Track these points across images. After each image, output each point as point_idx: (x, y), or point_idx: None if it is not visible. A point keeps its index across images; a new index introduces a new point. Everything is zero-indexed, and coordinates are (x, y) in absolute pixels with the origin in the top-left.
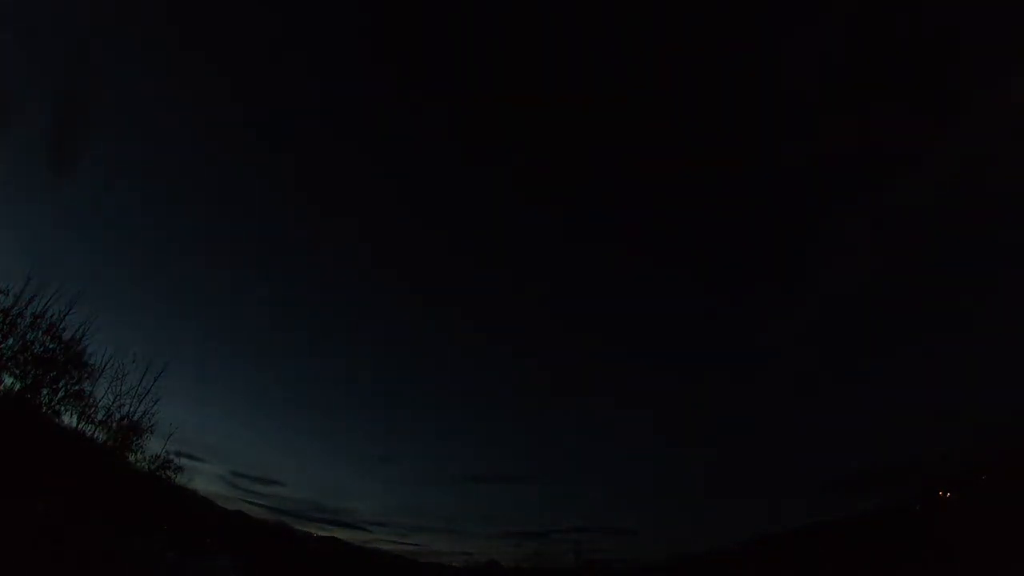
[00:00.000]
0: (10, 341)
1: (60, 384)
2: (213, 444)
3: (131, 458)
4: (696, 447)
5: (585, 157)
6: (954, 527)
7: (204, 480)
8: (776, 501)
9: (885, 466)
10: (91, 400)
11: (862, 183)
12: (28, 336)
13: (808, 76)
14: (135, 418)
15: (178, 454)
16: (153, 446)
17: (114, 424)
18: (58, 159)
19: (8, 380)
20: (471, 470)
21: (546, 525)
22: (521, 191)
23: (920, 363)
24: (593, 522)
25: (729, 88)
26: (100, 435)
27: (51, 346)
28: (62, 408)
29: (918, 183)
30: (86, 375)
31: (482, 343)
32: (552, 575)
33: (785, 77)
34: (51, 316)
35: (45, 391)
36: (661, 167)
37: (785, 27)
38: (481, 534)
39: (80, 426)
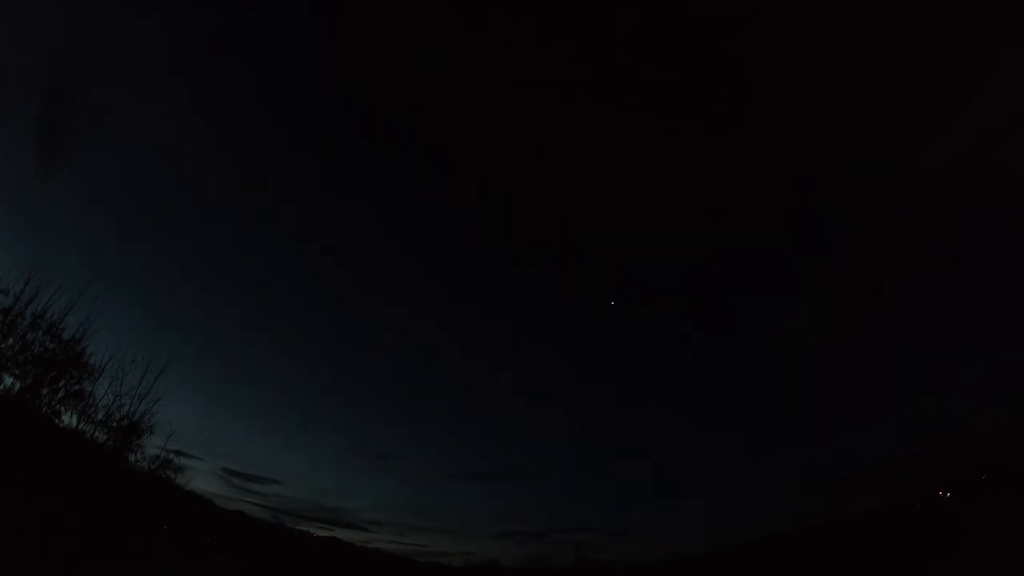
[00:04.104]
0: (10, 341)
1: (60, 384)
2: (211, 443)
3: (131, 458)
4: (696, 447)
5: (585, 140)
6: (954, 527)
7: (203, 480)
8: (776, 501)
9: (885, 466)
10: (91, 400)
11: (882, 155)
12: (28, 336)
13: (833, 34)
14: (135, 418)
15: (177, 453)
16: (152, 446)
17: (114, 424)
18: (52, 159)
19: (8, 380)
20: (471, 469)
21: (546, 525)
22: (520, 189)
23: (921, 362)
24: (593, 522)
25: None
26: (100, 435)
27: (51, 346)
28: (62, 408)
29: (944, 150)
30: (86, 375)
31: (482, 344)
32: (552, 575)
33: (808, 35)
34: (51, 316)
35: (45, 391)
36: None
37: None
38: (481, 534)
39: (80, 426)
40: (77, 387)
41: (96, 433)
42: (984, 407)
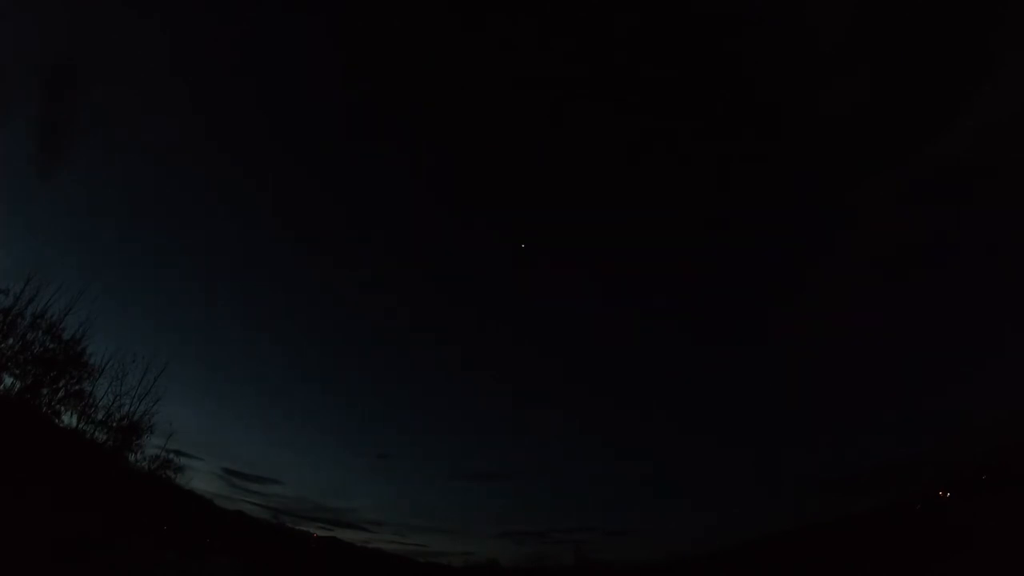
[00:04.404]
0: (10, 341)
1: (60, 384)
2: (211, 443)
3: (131, 458)
4: (696, 447)
5: (585, 140)
6: (954, 527)
7: (203, 480)
8: (775, 501)
9: (885, 466)
10: (91, 400)
11: (886, 153)
12: (28, 336)
13: (833, 34)
14: (135, 418)
15: (177, 453)
16: (152, 446)
17: (114, 424)
18: (52, 159)
19: (8, 380)
20: (471, 470)
21: (546, 525)
22: (520, 189)
23: (921, 362)
24: (593, 522)
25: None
26: (100, 435)
27: (51, 346)
28: (62, 408)
29: (944, 150)
30: (86, 375)
31: (483, 344)
32: (552, 575)
33: (808, 35)
34: (51, 316)
35: (45, 391)
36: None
37: None
38: (481, 534)
39: (80, 426)
40: (77, 387)
41: (96, 433)
42: (984, 407)
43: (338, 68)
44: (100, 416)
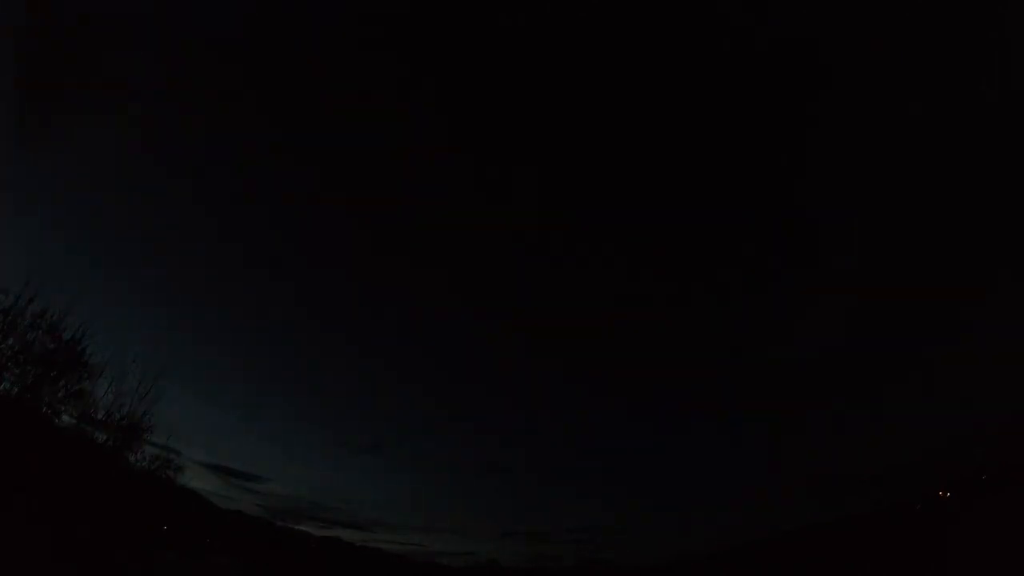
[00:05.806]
0: (10, 341)
1: (60, 384)
2: (209, 442)
3: (131, 458)
4: (697, 448)
5: (584, 141)
6: (954, 527)
7: (201, 478)
8: (775, 501)
9: (885, 466)
10: (91, 400)
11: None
12: (28, 336)
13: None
14: (135, 418)
15: (177, 452)
16: (152, 446)
17: (114, 424)
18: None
19: (8, 380)
20: (473, 470)
21: (546, 525)
22: (519, 191)
23: (922, 363)
24: (593, 522)
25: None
26: (100, 435)
27: (51, 346)
28: (62, 408)
29: (943, 149)
30: (86, 375)
31: (481, 344)
32: (552, 575)
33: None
34: (51, 316)
35: (45, 391)
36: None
37: None
38: (481, 534)
39: (80, 426)
40: (77, 387)
41: (96, 433)
42: (984, 407)
43: (338, 68)
44: (100, 416)
